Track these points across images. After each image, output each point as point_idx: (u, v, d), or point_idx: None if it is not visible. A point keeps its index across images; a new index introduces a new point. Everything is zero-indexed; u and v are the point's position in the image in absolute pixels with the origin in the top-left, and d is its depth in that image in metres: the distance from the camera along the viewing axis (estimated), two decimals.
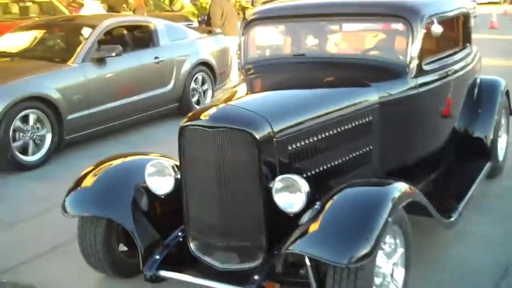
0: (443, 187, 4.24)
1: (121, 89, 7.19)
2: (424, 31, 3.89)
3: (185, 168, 3.20)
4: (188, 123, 3.13)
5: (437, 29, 3.92)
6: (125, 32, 7.98)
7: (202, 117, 3.09)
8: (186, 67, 8.08)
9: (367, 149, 3.65)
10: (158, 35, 7.81)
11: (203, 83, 8.47)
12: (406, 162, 3.99)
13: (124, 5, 14.47)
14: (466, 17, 4.74)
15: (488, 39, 18.77)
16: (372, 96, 3.63)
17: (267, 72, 4.17)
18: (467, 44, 4.80)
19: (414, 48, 3.84)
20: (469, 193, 4.09)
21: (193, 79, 8.25)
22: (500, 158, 5.21)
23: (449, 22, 4.66)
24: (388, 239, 2.96)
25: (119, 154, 3.79)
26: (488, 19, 22.85)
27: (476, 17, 24.15)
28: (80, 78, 6.69)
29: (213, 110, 3.11)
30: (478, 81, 5.10)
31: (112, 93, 7.04)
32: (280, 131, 3.07)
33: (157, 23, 7.98)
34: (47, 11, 12.97)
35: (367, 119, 3.59)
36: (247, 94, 3.76)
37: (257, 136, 2.94)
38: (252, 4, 21.99)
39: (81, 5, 12.98)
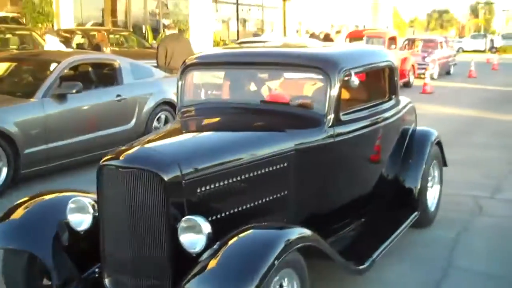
0: (364, 234, 4.37)
1: (81, 125, 7.36)
2: (341, 83, 4.07)
3: (101, 206, 3.37)
4: (105, 162, 3.31)
5: (354, 81, 4.12)
6: (89, 69, 8.20)
7: (119, 157, 3.28)
8: (149, 105, 8.29)
9: (282, 195, 3.78)
10: (122, 73, 8.03)
11: (166, 122, 8.66)
12: (325, 209, 4.11)
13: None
14: (391, 70, 4.94)
15: (461, 87, 19.22)
16: (287, 143, 3.80)
17: (197, 116, 4.36)
18: (393, 96, 4.98)
19: (331, 99, 4.02)
20: (388, 241, 4.22)
21: (156, 117, 8.46)
22: (432, 208, 5.35)
23: (375, 74, 4.91)
24: (286, 281, 3.11)
25: (48, 190, 3.94)
26: (468, 68, 23.36)
27: (455, 65, 24.73)
28: (39, 113, 6.87)
29: (129, 151, 3.30)
30: (409, 131, 5.27)
31: (71, 129, 7.21)
32: (190, 173, 3.24)
33: (121, 61, 8.21)
34: (26, 43, 13.26)
35: (281, 166, 3.73)
36: (167, 136, 3.91)
37: (165, 178, 3.12)
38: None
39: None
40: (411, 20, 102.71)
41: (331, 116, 4.03)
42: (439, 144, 5.54)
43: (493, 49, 46.30)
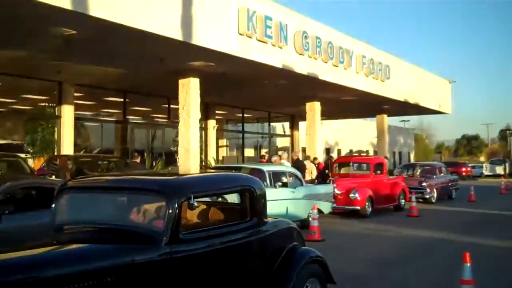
0: None
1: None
2: (180, 206, 4.45)
3: None
4: None
5: (193, 205, 4.49)
6: (32, 192, 8.67)
7: None
8: None
9: None
10: None
11: None
12: None
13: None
14: (251, 194, 5.26)
15: (452, 211, 19.16)
16: (123, 258, 4.11)
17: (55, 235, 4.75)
18: (254, 218, 5.25)
19: (170, 219, 4.36)
20: None
21: None
22: None
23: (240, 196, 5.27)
24: None
25: None
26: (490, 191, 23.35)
27: (458, 189, 24.75)
28: None
29: None
30: (283, 251, 5.47)
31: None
32: None
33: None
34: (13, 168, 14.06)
35: (111, 280, 4.01)
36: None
37: None
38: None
39: None
40: (438, 145, 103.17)
41: (168, 235, 4.33)
42: (319, 262, 5.68)
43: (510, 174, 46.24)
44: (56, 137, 19.36)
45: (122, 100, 21.95)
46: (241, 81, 19.68)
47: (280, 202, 12.55)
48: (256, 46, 15.58)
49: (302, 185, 13.78)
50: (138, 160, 17.23)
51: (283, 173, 13.38)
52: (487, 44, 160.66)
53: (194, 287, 4.60)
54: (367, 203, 16.68)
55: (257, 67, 16.53)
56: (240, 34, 14.95)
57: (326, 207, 14.56)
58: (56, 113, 19.32)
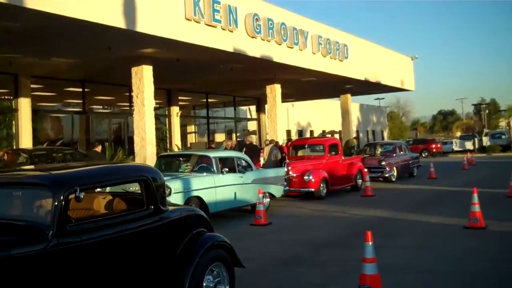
0: None
1: None
2: (66, 198, 4.56)
3: None
4: None
5: (79, 197, 4.59)
6: None
7: None
8: None
9: None
10: None
11: None
12: None
13: None
14: (146, 184, 5.39)
15: (409, 189, 19.47)
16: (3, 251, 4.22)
17: None
18: (151, 206, 5.38)
19: (56, 211, 4.49)
20: None
21: None
22: None
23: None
24: None
25: None
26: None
27: (419, 167, 25.11)
28: None
29: None
30: (186, 237, 5.62)
31: None
32: None
33: None
34: None
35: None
36: None
37: None
38: None
39: None
40: (414, 122, 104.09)
41: (55, 227, 4.45)
42: (225, 247, 5.84)
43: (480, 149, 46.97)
44: (14, 130, 19.25)
45: (81, 90, 21.84)
46: (197, 67, 19.73)
47: (227, 188, 12.72)
48: (204, 31, 15.59)
49: (251, 170, 13.91)
50: (99, 150, 17.23)
51: (230, 159, 13.51)
52: (462, 20, 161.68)
53: (87, 275, 4.72)
54: (321, 185, 16.90)
55: (209, 52, 16.56)
56: (187, 19, 14.95)
57: (278, 190, 14.74)
58: (13, 106, 19.19)
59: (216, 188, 12.29)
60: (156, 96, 26.72)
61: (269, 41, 18.47)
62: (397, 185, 20.78)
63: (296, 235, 10.96)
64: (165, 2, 14.44)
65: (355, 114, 62.85)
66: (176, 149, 24.38)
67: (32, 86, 19.58)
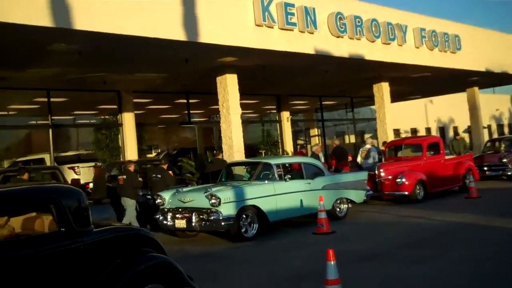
0: None
1: None
2: None
3: None
4: None
5: None
6: None
7: None
8: None
9: None
10: None
11: None
12: None
13: None
14: (57, 206, 5.12)
15: None
16: None
17: None
18: (63, 229, 5.11)
19: None
20: None
21: None
22: None
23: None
24: None
25: None
26: None
27: None
28: None
29: None
30: (114, 259, 5.32)
31: None
32: None
33: None
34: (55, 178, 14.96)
35: None
36: None
37: None
38: None
39: None
40: None
41: None
42: (167, 268, 5.45)
43: None
44: (120, 144, 20.28)
45: (185, 101, 22.47)
46: (286, 72, 19.36)
47: (291, 195, 12.19)
48: (279, 36, 15.18)
49: (323, 175, 13.21)
50: (220, 157, 16.96)
51: (297, 165, 12.95)
52: None
53: None
54: (417, 187, 15.65)
55: (290, 56, 16.12)
56: (258, 25, 14.65)
57: (359, 195, 13.86)
58: (118, 121, 20.22)
59: (276, 196, 11.82)
60: (265, 102, 27.10)
61: (358, 39, 17.54)
62: None
63: (352, 246, 10.12)
64: (232, 11, 14.29)
65: (506, 106, 58.42)
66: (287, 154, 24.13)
67: (135, 100, 20.51)
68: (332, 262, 5.39)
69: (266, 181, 12.08)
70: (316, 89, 25.30)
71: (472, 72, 23.66)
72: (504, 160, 20.03)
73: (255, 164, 12.86)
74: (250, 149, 26.13)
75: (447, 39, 21.24)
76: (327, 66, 18.70)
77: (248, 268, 8.83)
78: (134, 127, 20.29)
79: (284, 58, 16.44)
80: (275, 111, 26.66)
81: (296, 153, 19.52)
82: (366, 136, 30.10)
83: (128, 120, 20.15)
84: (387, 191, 15.75)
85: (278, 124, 26.38)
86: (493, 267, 7.56)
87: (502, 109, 57.70)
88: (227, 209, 10.88)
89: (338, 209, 13.37)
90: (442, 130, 49.87)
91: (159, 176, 13.20)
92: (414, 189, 15.52)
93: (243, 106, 25.26)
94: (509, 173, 19.95)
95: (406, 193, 15.48)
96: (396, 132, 42.09)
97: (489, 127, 54.52)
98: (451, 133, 49.76)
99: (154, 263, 5.41)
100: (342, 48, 17.13)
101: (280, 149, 25.82)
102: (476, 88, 28.14)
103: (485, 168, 20.52)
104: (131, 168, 13.06)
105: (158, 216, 11.78)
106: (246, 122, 26.75)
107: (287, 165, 12.95)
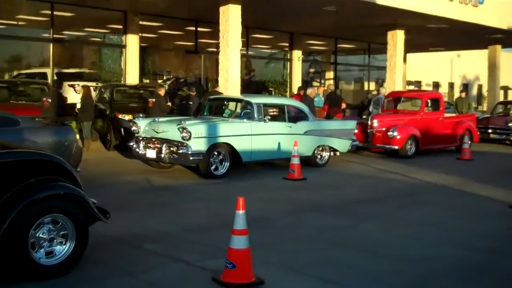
0: None
1: None
2: None
3: None
4: None
5: None
6: None
7: None
8: None
9: None
10: None
11: None
12: None
13: None
14: None
15: None
16: None
17: None
18: None
19: None
20: None
21: None
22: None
23: None
24: None
25: None
26: None
27: None
28: None
29: None
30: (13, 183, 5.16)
31: None
32: None
33: None
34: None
35: None
36: None
37: None
38: None
39: None
40: None
41: None
42: (74, 199, 5.31)
43: None
44: (122, 65, 20.07)
45: (193, 29, 22.02)
46: (294, 9, 18.72)
47: (269, 137, 11.97)
48: None
49: (307, 120, 12.91)
50: (218, 89, 16.79)
51: (279, 106, 12.67)
52: None
53: None
54: (408, 142, 15.30)
55: None
56: None
57: (343, 145, 13.57)
58: (122, 43, 19.95)
59: (252, 136, 11.61)
60: (278, 39, 26.44)
61: None
62: None
63: (311, 195, 9.96)
64: None
65: None
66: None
67: (142, 23, 20.14)
68: (241, 212, 5.18)
69: (245, 120, 11.86)
70: (332, 30, 24.53)
71: (494, 29, 22.69)
72: (510, 124, 19.47)
73: (237, 101, 12.60)
74: (258, 86, 25.84)
75: None
76: (337, 7, 18.02)
77: (197, 205, 8.75)
78: (138, 50, 19.97)
79: None
80: (287, 49, 26.04)
81: (294, 95, 19.13)
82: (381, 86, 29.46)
83: (132, 42, 19.80)
84: (377, 143, 15.45)
85: (288, 63, 25.83)
86: (438, 233, 7.35)
87: None
88: (197, 144, 10.73)
89: (319, 156, 13.15)
90: (466, 86, 48.63)
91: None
92: (405, 144, 15.18)
93: (254, 40, 24.83)
94: None
95: (396, 147, 15.16)
96: (417, 84, 41.26)
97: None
98: (474, 91, 48.61)
99: (57, 193, 5.24)
100: None
101: (288, 89, 25.40)
102: (498, 47, 27.06)
103: (490, 131, 20.02)
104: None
105: (132, 144, 11.72)
106: (256, 58, 26.42)
107: (270, 105, 12.66)
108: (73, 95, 18.87)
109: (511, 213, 8.77)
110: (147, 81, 26.06)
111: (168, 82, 24.40)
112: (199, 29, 22.02)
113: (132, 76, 19.69)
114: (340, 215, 8.30)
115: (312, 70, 29.01)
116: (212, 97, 13.93)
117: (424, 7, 18.86)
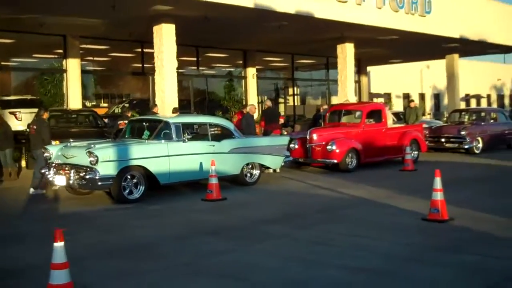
0: None
1: None
2: None
3: None
4: None
5: None
6: None
7: None
8: None
9: None
10: None
11: None
12: None
13: None
14: None
15: (477, 164, 16.61)
16: None
17: None
18: None
19: None
20: None
21: None
22: None
23: None
24: None
25: None
26: None
27: None
28: None
29: None
30: None
31: None
32: None
33: None
34: None
35: None
36: None
37: None
38: None
39: None
40: None
41: None
42: None
43: None
44: (64, 90, 19.56)
45: (139, 50, 21.59)
46: (235, 25, 18.38)
47: (189, 157, 11.49)
48: None
49: (233, 137, 12.45)
50: (155, 110, 16.54)
51: (201, 125, 12.20)
52: None
53: None
54: (348, 155, 14.85)
55: (230, 9, 15.17)
56: None
57: (275, 161, 13.13)
58: (63, 67, 19.46)
59: (170, 157, 11.11)
60: (232, 58, 26.07)
61: None
62: (476, 159, 17.70)
63: (217, 216, 9.43)
64: None
65: (509, 76, 56.42)
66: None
67: (84, 46, 19.70)
68: (60, 244, 4.68)
69: (162, 141, 11.37)
70: (286, 46, 24.19)
71: (446, 39, 22.50)
72: (463, 132, 19.15)
73: (155, 122, 12.12)
74: (213, 104, 25.40)
75: (415, 1, 20.05)
76: (278, 23, 17.69)
77: (88, 233, 8.20)
78: (79, 74, 19.51)
79: (224, 11, 15.49)
80: (241, 67, 25.67)
81: (237, 113, 18.69)
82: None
83: (73, 66, 19.33)
84: (317, 158, 15.01)
85: (243, 80, 25.43)
86: (328, 252, 6.84)
87: (505, 79, 55.97)
88: (106, 168, 10.22)
89: (248, 175, 12.67)
90: (437, 96, 48.58)
91: (35, 127, 12.27)
92: (344, 157, 14.75)
93: (209, 60, 24.42)
94: (466, 147, 19.14)
95: (336, 161, 14.72)
96: (387, 96, 41.04)
97: (488, 97, 52.96)
98: (445, 101, 48.45)
99: None
100: (287, 3, 16.10)
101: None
102: (456, 56, 26.92)
103: (443, 140, 19.69)
104: (45, 116, 12.36)
105: (44, 171, 11.18)
106: (209, 77, 26.04)
107: (190, 125, 12.18)
108: (15, 122, 18.34)
109: (422, 226, 8.31)
110: (106, 104, 25.69)
111: (120, 106, 23.88)
112: (145, 50, 21.58)
113: (74, 101, 19.20)
114: (233, 238, 7.76)
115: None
116: (133, 119, 13.45)
117: (369, 19, 18.61)
